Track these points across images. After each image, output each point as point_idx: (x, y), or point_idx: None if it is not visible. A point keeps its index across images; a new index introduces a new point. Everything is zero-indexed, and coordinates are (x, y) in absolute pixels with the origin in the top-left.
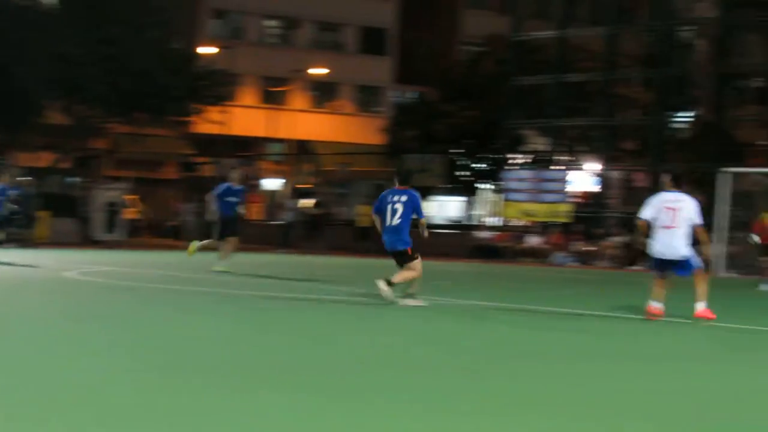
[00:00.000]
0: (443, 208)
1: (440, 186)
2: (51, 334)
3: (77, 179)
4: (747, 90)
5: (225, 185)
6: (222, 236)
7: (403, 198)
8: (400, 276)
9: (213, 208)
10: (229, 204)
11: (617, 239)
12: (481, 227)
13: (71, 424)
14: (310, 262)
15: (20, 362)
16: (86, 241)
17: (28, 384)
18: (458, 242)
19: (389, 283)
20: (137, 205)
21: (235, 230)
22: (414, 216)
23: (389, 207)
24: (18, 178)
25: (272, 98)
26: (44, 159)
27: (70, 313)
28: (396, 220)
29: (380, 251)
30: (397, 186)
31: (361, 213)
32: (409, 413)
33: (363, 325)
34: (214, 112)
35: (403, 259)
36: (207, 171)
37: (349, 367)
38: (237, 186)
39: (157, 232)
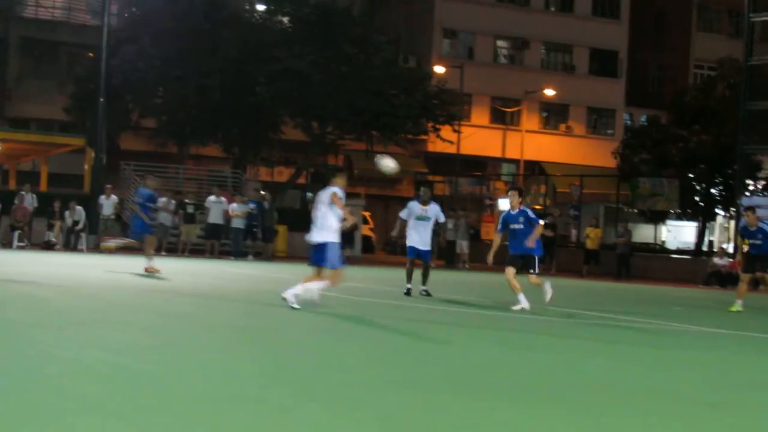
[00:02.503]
0: (677, 233)
1: (675, 210)
2: (315, 348)
3: (313, 194)
4: None
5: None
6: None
7: None
8: None
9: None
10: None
11: None
12: (717, 253)
13: None
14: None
15: (301, 377)
16: None
17: (315, 397)
18: (693, 268)
19: None
20: (370, 222)
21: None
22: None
23: None
24: (258, 192)
25: (503, 118)
26: (282, 174)
27: (329, 327)
28: None
29: (608, 274)
30: None
31: (591, 235)
32: None
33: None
34: (446, 131)
35: None
36: (440, 189)
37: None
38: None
39: (390, 249)
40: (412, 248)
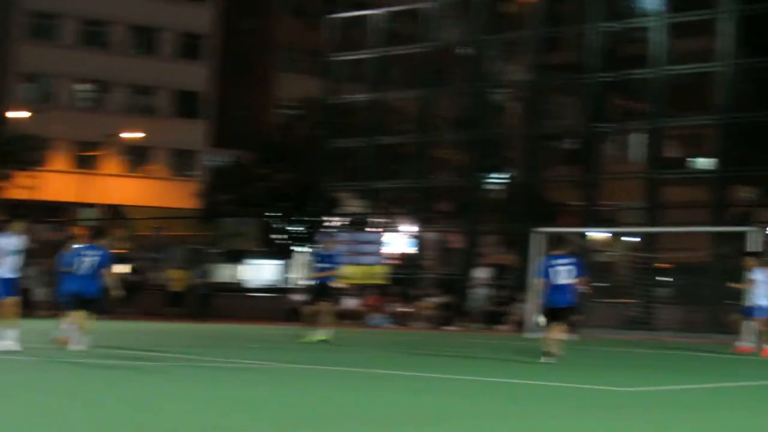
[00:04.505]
0: (258, 272)
1: (255, 249)
2: None
3: None
4: (559, 151)
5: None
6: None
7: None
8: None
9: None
10: None
11: (434, 300)
12: (297, 290)
13: None
14: (133, 328)
15: None
16: None
17: None
18: (274, 305)
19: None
20: None
21: None
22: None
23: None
24: None
25: (84, 163)
26: None
27: None
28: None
29: (192, 316)
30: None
31: (174, 277)
32: None
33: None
34: (23, 177)
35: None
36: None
37: None
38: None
39: None
40: None
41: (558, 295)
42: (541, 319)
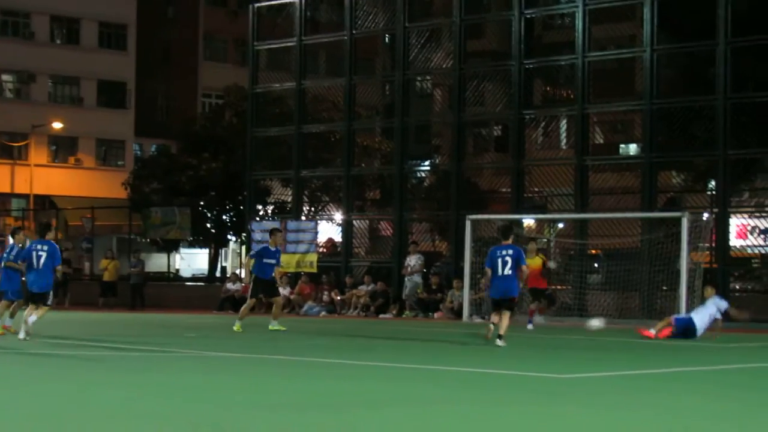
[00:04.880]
0: (191, 261)
1: (185, 239)
2: None
3: None
4: (486, 138)
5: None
6: None
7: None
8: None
9: None
10: None
11: (367, 288)
12: (230, 279)
13: None
14: (66, 319)
15: None
16: None
17: None
18: (207, 294)
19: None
20: None
21: None
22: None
23: (499, 260)
24: None
25: (11, 153)
26: None
27: None
28: (507, 271)
29: (125, 306)
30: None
31: (108, 267)
32: None
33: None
34: None
35: (509, 305)
36: None
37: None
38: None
39: None
40: None
41: (503, 284)
42: (595, 323)
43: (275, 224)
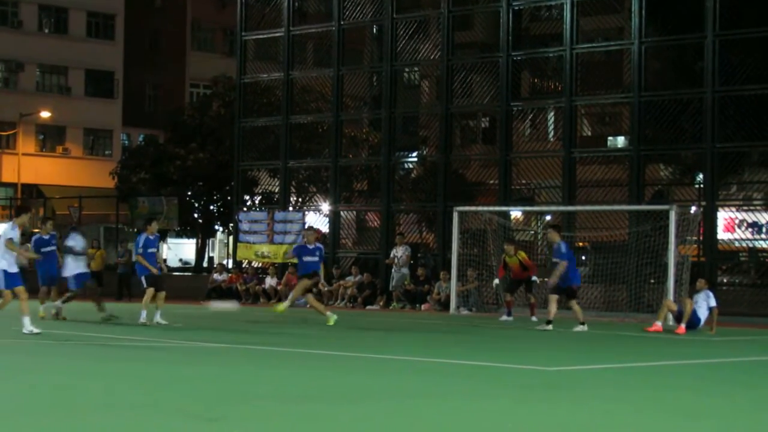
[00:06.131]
0: (178, 251)
1: (173, 229)
2: None
3: None
4: (474, 129)
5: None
6: None
7: None
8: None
9: None
10: None
11: (354, 279)
12: (217, 269)
13: None
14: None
15: None
16: None
17: None
18: (194, 284)
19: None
20: None
21: None
22: None
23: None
24: None
25: None
26: None
27: None
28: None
29: (111, 294)
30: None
31: (95, 256)
32: None
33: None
34: None
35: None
36: None
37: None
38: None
39: None
40: None
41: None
42: (221, 304)
43: (263, 215)
